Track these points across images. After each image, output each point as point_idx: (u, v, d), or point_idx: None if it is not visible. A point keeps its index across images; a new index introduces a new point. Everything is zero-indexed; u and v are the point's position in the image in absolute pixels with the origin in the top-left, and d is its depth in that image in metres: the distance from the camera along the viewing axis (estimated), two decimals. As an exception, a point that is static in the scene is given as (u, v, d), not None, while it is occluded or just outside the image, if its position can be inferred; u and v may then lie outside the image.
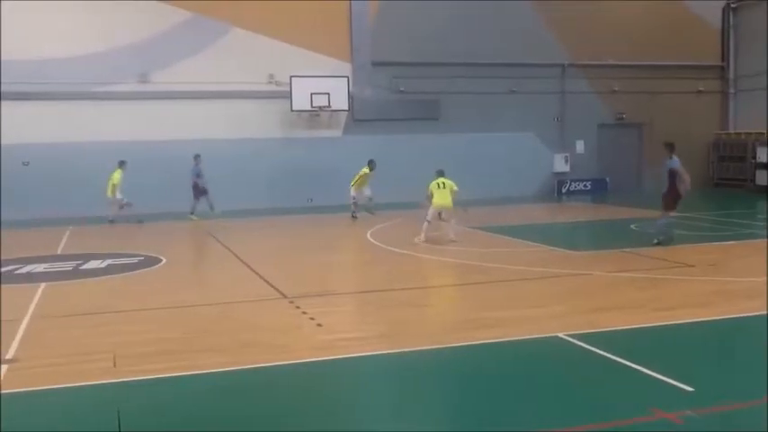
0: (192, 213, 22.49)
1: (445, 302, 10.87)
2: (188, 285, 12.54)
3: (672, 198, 15.36)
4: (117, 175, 21.84)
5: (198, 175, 22.68)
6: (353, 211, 21.81)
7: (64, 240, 18.04)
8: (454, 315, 9.90)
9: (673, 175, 15.05)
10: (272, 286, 11.84)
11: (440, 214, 16.63)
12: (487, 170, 26.85)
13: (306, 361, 7.85)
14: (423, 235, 16.37)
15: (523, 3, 28.07)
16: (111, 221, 21.60)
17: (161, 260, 14.70)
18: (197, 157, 22.82)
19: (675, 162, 15.11)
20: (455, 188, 16.47)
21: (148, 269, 13.86)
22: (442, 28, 27.18)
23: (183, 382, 7.25)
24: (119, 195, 21.71)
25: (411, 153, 26.06)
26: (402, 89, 26.98)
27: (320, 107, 25.71)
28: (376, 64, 26.74)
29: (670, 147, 15.66)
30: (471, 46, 27.42)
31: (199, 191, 22.67)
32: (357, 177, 21.83)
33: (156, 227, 21.00)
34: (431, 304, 10.62)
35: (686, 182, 15.17)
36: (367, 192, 21.85)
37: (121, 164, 22.07)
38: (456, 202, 16.59)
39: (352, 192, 21.93)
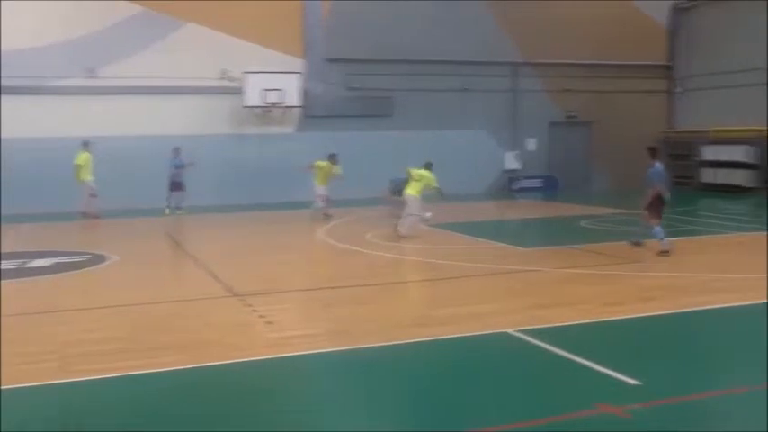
0: (168, 208, 22.40)
1: (395, 299, 10.88)
2: (136, 283, 12.33)
3: (659, 203, 14.33)
4: (83, 157, 21.20)
5: (176, 167, 22.56)
6: (321, 208, 20.44)
7: (10, 238, 17.61)
8: (404, 312, 9.91)
9: (652, 181, 14.19)
10: (223, 284, 11.71)
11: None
12: (440, 168, 26.53)
13: (256, 359, 7.78)
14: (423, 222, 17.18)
15: (477, 2, 28.22)
16: (84, 214, 20.99)
17: (110, 258, 14.44)
18: (176, 149, 22.69)
19: (657, 168, 14.27)
20: (432, 184, 17.08)
21: (95, 267, 13.61)
22: (396, 25, 27.20)
23: (131, 381, 7.13)
24: (89, 177, 21.04)
25: (364, 150, 26.02)
26: (355, 86, 26.94)
27: (273, 103, 25.54)
28: (329, 60, 26.66)
29: (652, 151, 14.79)
30: (425, 43, 27.49)
31: (175, 184, 22.56)
32: (317, 170, 20.47)
33: (106, 224, 20.63)
34: (381, 301, 10.62)
35: (654, 190, 14.25)
36: (321, 192, 20.61)
37: (85, 145, 21.38)
38: (428, 196, 17.28)
39: (320, 189, 20.58)
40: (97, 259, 14.33)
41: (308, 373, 7.63)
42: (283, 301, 10.75)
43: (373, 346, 8.17)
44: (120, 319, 9.64)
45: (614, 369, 7.11)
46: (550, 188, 29.37)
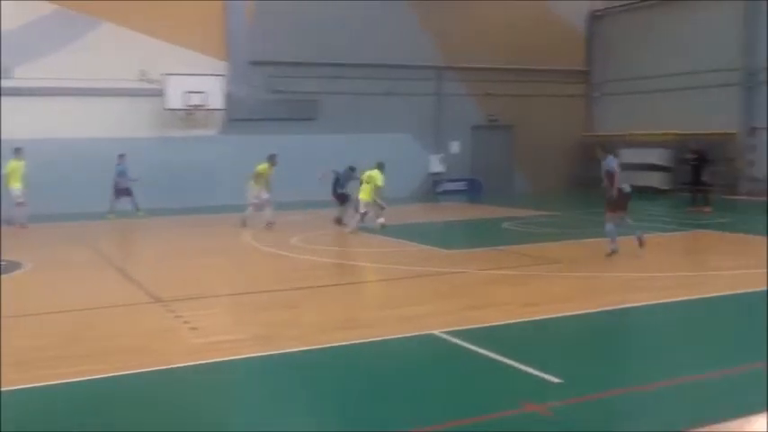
0: (111, 213, 21.93)
1: (322, 303, 10.85)
2: (49, 291, 11.96)
3: (619, 198, 14.02)
4: (12, 165, 20.13)
5: (120, 174, 22.16)
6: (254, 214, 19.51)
7: None
8: (330, 315, 9.90)
9: (610, 176, 13.99)
10: (145, 290, 11.49)
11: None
12: (364, 171, 26.91)
13: (178, 366, 7.65)
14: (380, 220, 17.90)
15: (401, 5, 28.42)
16: (9, 221, 20.06)
17: (25, 265, 13.98)
18: (121, 156, 22.32)
19: (611, 162, 14.04)
20: (377, 183, 18.08)
21: (9, 275, 13.15)
22: (321, 28, 27.16)
23: (42, 393, 6.91)
24: (17, 185, 20.00)
25: (288, 154, 25.77)
26: (280, 89, 26.79)
27: (195, 106, 25.18)
28: (253, 63, 26.44)
29: (603, 146, 14.75)
30: (350, 46, 27.54)
31: (120, 191, 22.17)
32: (256, 174, 19.48)
33: (33, 231, 19.92)
34: (307, 305, 10.58)
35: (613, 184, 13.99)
36: (264, 196, 19.50)
37: (17, 151, 20.30)
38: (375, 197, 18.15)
39: (257, 193, 19.42)
40: (12, 266, 13.86)
41: (233, 378, 7.55)
42: (208, 307, 10.61)
43: (300, 350, 8.14)
44: (31, 329, 9.33)
45: (537, 368, 7.26)
46: (474, 191, 29.77)
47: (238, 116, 26.29)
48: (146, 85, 24.78)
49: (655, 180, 27.72)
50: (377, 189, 18.31)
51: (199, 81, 24.95)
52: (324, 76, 27.34)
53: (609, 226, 13.81)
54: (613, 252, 13.64)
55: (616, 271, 12.66)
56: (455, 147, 30.03)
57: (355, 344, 8.38)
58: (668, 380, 7.05)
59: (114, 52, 24.37)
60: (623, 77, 30.68)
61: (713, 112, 26.91)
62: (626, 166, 29.03)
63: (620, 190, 13.82)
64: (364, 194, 18.20)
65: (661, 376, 7.19)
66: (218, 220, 21.35)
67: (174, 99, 24.83)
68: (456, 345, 8.30)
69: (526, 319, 9.46)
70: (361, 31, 27.81)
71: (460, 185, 29.97)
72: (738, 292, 10.95)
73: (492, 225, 19.95)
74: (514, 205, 24.28)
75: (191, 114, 25.56)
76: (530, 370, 7.25)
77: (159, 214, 22.75)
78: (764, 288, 11.06)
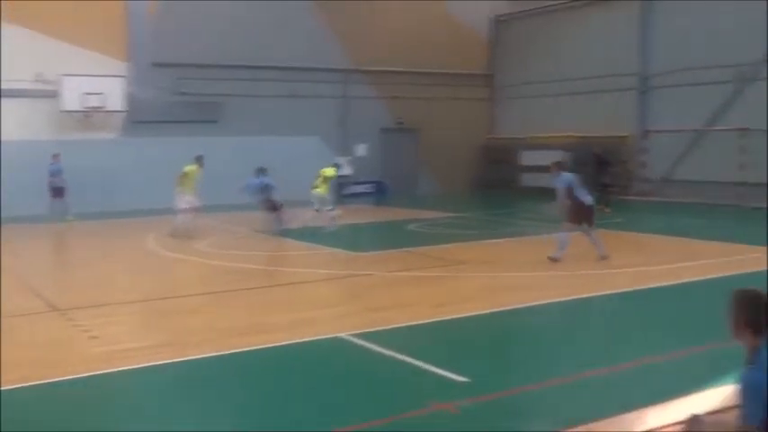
0: (66, 215, 21.36)
1: (228, 308, 10.72)
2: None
3: (580, 211, 13.93)
4: None
5: (54, 173, 21.64)
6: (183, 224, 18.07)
7: None
8: (236, 320, 9.78)
9: (569, 191, 13.90)
10: (44, 299, 11.08)
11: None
12: (272, 174, 26.64)
13: (78, 377, 7.39)
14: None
15: (307, 7, 28.32)
16: None
17: None
18: (55, 156, 21.81)
19: (562, 180, 14.05)
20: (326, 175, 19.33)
21: None
22: (226, 29, 26.80)
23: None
24: None
25: (191, 156, 25.34)
26: (183, 91, 26.29)
27: (94, 108, 24.44)
28: (156, 64, 25.85)
29: (558, 165, 14.79)
30: (256, 49, 27.26)
31: (55, 191, 21.63)
32: (182, 177, 18.32)
33: None
34: (214, 310, 10.43)
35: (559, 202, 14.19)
36: (195, 202, 18.27)
37: None
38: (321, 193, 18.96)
39: (187, 198, 18.18)
40: None
41: (136, 387, 7.37)
42: (110, 314, 10.30)
43: (206, 356, 8.01)
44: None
45: (444, 368, 7.36)
46: (380, 193, 29.94)
47: (140, 118, 25.64)
48: (41, 87, 23.89)
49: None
50: (327, 183, 19.52)
51: (98, 82, 24.23)
52: (229, 78, 26.99)
53: (562, 234, 13.83)
54: (555, 260, 13.45)
55: (520, 270, 12.96)
56: (362, 149, 30.14)
57: (262, 348, 8.31)
58: (571, 375, 7.27)
59: (11, 52, 23.38)
60: (526, 81, 31.45)
61: (610, 116, 27.87)
62: (528, 168, 30.07)
63: (580, 203, 13.82)
64: (323, 189, 19.34)
65: (564, 372, 7.40)
66: (121, 225, 20.78)
67: (71, 101, 24.03)
68: (363, 347, 8.33)
69: (433, 320, 9.57)
70: (267, 33, 27.58)
71: (367, 188, 30.08)
72: (638, 288, 11.38)
73: (399, 227, 20.12)
74: (421, 207, 24.54)
75: (88, 116, 24.78)
76: (437, 370, 7.34)
77: (57, 220, 21.93)
78: (663, 284, 11.55)
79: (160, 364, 7.78)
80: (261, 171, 18.94)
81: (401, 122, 30.90)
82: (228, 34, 26.84)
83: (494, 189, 30.96)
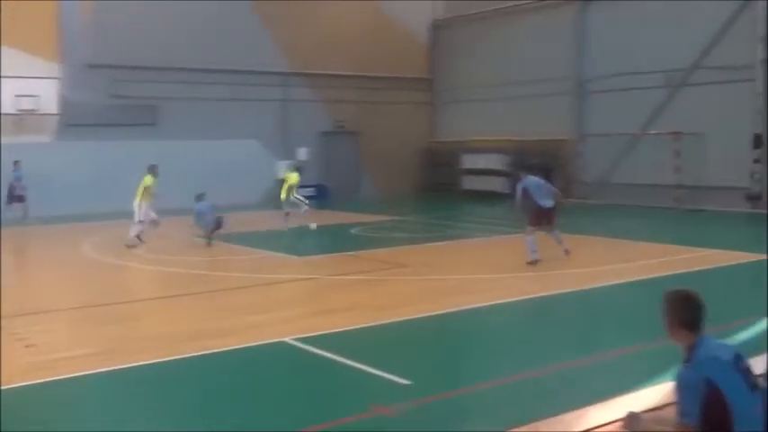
0: (26, 219, 21.57)
1: (172, 314, 10.59)
2: None
3: (538, 213, 14.25)
4: None
5: (16, 180, 22.11)
6: (138, 235, 17.38)
7: None
8: (178, 326, 9.67)
9: (526, 192, 14.34)
10: (-26, 307, 10.77)
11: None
12: (210, 178, 26.31)
13: (14, 386, 7.22)
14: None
15: (246, 9, 28.15)
16: None
17: None
18: (16, 162, 22.11)
19: (521, 183, 14.42)
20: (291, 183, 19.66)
21: None
22: (163, 31, 26.44)
23: None
24: None
25: (128, 160, 24.90)
26: (119, 93, 25.85)
27: (26, 111, 23.85)
28: (91, 66, 25.35)
29: (523, 168, 15.59)
30: (194, 51, 26.98)
31: (13, 197, 22.08)
32: (141, 190, 17.61)
33: None
34: (156, 317, 10.29)
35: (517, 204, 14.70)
36: (152, 214, 17.68)
37: None
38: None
39: (140, 208, 17.43)
40: None
41: (76, 396, 7.23)
42: (47, 322, 10.09)
43: (146, 364, 7.91)
44: None
45: (386, 371, 7.41)
46: (322, 197, 29.87)
47: (75, 121, 25.11)
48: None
49: (496, 184, 28.83)
50: (291, 188, 20.05)
51: (30, 84, 23.67)
52: (166, 80, 26.64)
53: (529, 238, 14.02)
54: (535, 261, 13.64)
55: (462, 273, 13.11)
56: (303, 153, 30.04)
57: (204, 354, 8.23)
58: (512, 376, 7.39)
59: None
60: (465, 85, 31.80)
61: (548, 120, 28.36)
62: (468, 171, 30.39)
63: (537, 206, 14.09)
64: (284, 193, 19.86)
65: (505, 373, 7.52)
66: (56, 231, 20.32)
67: (4, 103, 23.42)
68: (306, 351, 8.33)
69: (376, 323, 9.62)
70: (205, 34, 27.30)
71: (309, 192, 29.97)
72: (577, 289, 11.62)
73: (341, 231, 20.13)
74: (362, 211, 24.58)
75: (22, 119, 24.18)
76: (379, 373, 7.39)
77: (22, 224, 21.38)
78: (601, 285, 11.81)
79: (100, 372, 7.66)
80: (200, 197, 18.38)
81: (342, 126, 30.93)
82: (166, 35, 26.49)
83: (436, 192, 31.21)
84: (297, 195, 20.38)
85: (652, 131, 25.25)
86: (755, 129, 22.70)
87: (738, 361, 4.01)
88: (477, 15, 31.73)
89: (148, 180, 17.63)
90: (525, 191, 14.24)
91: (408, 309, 10.40)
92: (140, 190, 17.57)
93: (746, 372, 4.00)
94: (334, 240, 18.78)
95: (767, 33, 22.51)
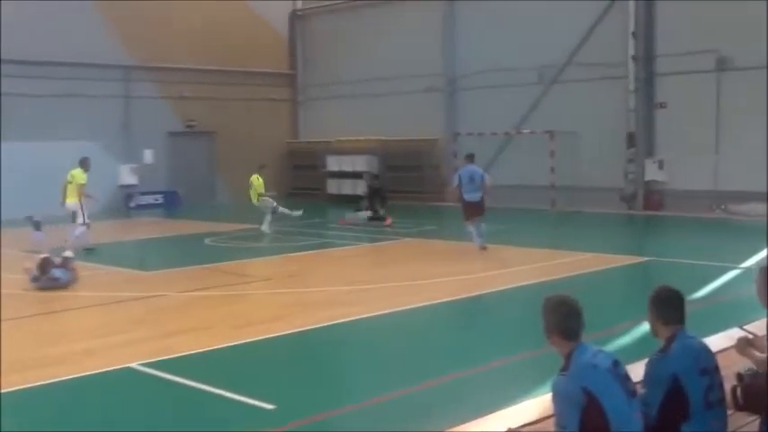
0: None
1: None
2: None
3: (464, 206, 16.54)
4: None
5: None
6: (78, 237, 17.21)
7: None
8: (10, 354, 9.20)
9: (459, 185, 16.49)
10: None
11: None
12: (41, 184, 25.24)
13: None
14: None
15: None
16: None
17: None
18: None
19: (459, 171, 16.37)
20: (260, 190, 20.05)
21: None
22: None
23: None
24: None
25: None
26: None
27: None
28: None
29: (466, 157, 17.43)
30: (24, 41, 25.71)
31: None
32: (75, 187, 17.36)
33: None
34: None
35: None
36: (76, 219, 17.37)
37: None
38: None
39: (82, 209, 17.35)
40: None
41: None
42: None
43: (-32, 400, 7.49)
44: None
45: (248, 395, 7.34)
46: (172, 204, 29.26)
47: None
48: None
49: (363, 188, 28.95)
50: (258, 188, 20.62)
51: None
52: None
53: (469, 229, 16.36)
54: (483, 248, 15.95)
55: (329, 285, 13.15)
56: (149, 156, 29.31)
57: (39, 386, 7.88)
58: (384, 395, 7.47)
59: None
60: (330, 82, 31.93)
61: (419, 118, 28.88)
62: (334, 174, 30.52)
63: (463, 199, 16.31)
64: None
65: (376, 392, 7.59)
66: None
67: None
68: (157, 377, 8.14)
69: (236, 343, 9.50)
70: (37, 23, 26.13)
71: (157, 198, 29.32)
72: (451, 298, 11.87)
73: (193, 241, 19.77)
74: (218, 219, 24.25)
75: None
76: (241, 398, 7.32)
77: None
78: (477, 293, 12.12)
79: None
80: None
81: (193, 125, 30.39)
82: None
83: (299, 197, 31.11)
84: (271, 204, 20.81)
85: (526, 130, 26.19)
86: (629, 127, 23.97)
87: (617, 368, 4.21)
88: (342, 6, 31.98)
89: (81, 176, 17.35)
90: (459, 180, 16.39)
91: (271, 325, 10.34)
92: (73, 188, 17.33)
93: (625, 379, 4.21)
94: (187, 252, 18.41)
95: (639, 29, 23.83)
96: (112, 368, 8.46)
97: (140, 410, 7.38)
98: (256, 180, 20.95)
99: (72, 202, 17.55)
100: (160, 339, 9.73)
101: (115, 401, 7.66)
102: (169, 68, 29.42)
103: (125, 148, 28.82)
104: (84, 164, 17.72)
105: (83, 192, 17.47)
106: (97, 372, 8.36)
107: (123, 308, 11.88)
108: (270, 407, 7.07)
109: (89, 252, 16.97)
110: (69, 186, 17.66)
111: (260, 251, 17.60)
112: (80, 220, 17.35)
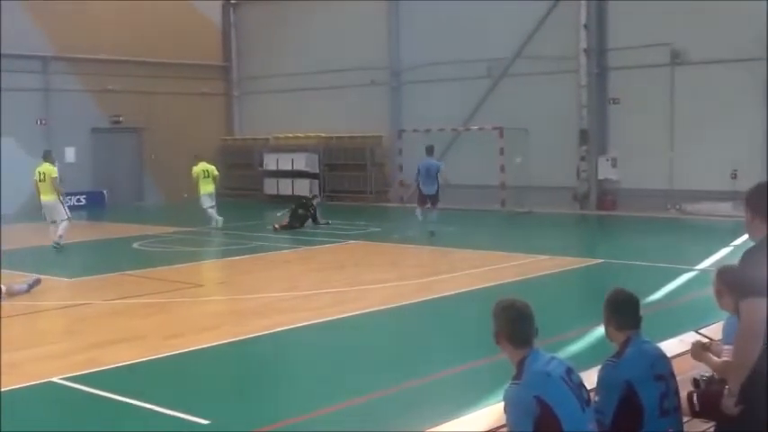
0: None
1: None
2: None
3: (419, 196, 19.71)
4: None
5: None
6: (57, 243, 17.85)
7: None
8: None
9: (417, 175, 19.61)
10: None
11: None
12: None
13: None
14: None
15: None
16: None
17: None
18: None
19: (419, 164, 19.69)
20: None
21: None
22: None
23: None
24: None
25: None
26: None
27: None
28: None
29: (428, 149, 20.13)
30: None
31: None
32: (42, 184, 17.67)
33: None
34: None
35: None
36: (57, 215, 17.94)
37: None
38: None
39: (50, 203, 17.82)
40: None
41: None
42: None
43: None
44: None
45: (181, 410, 7.30)
46: (96, 205, 28.87)
47: None
48: None
49: (303, 188, 28.94)
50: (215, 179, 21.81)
51: None
52: None
53: (417, 211, 19.66)
54: (432, 234, 18.60)
55: (265, 292, 13.10)
56: (70, 154, 28.87)
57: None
58: (327, 407, 7.48)
59: None
60: (268, 74, 31.77)
61: (363, 114, 28.93)
62: (272, 173, 30.39)
63: (419, 190, 19.49)
64: (208, 187, 21.89)
65: (319, 404, 7.60)
66: None
67: None
68: (81, 392, 8.04)
69: (166, 354, 9.43)
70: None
71: (79, 200, 28.88)
72: (395, 305, 11.91)
73: (120, 246, 19.56)
74: (147, 221, 24.01)
75: None
76: (173, 413, 7.27)
77: None
78: (418, 300, 12.19)
79: None
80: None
81: (118, 121, 30.03)
82: None
83: (234, 198, 30.92)
84: None
85: (474, 127, 26.39)
86: (581, 124, 24.32)
87: (570, 376, 4.28)
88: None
89: (52, 170, 17.69)
90: (418, 173, 19.30)
91: (205, 335, 10.27)
92: (47, 185, 17.62)
93: (579, 387, 4.28)
94: (113, 257, 18.18)
95: (590, 22, 24.19)
96: (33, 383, 8.33)
97: (64, 428, 7.29)
98: (203, 170, 22.14)
99: (49, 198, 17.82)
100: (85, 351, 9.61)
101: (36, 419, 7.56)
102: (92, 60, 29.02)
103: (44, 145, 28.16)
104: (48, 157, 18.26)
105: (56, 185, 17.82)
106: (16, 387, 8.21)
107: (45, 318, 11.73)
108: (204, 422, 7.04)
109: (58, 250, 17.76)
110: (41, 184, 17.85)
111: (192, 256, 17.46)
112: (63, 215, 17.85)
